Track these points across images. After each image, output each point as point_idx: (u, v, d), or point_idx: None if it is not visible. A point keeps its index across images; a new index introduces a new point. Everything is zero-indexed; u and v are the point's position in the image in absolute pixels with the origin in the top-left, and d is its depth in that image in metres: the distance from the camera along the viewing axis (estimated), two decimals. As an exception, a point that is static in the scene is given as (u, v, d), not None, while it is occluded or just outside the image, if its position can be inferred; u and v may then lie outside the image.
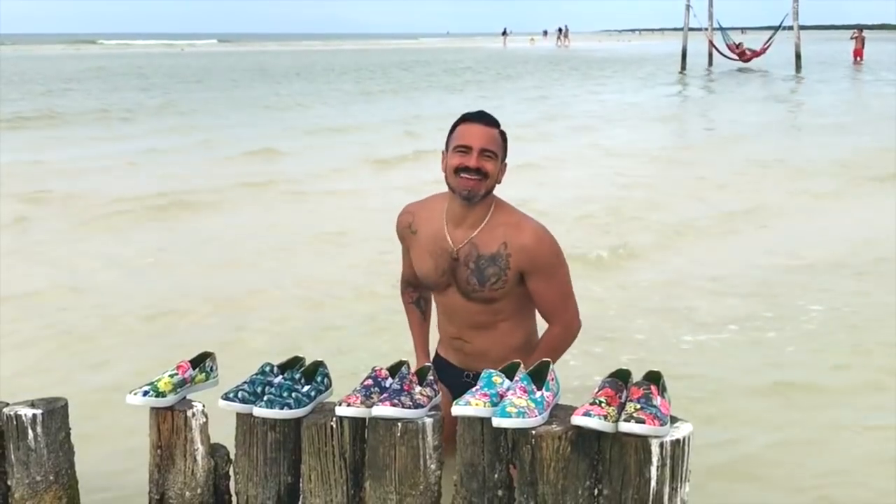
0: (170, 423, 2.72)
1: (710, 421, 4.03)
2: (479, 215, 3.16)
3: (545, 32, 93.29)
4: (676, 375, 4.00)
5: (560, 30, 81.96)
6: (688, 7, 38.23)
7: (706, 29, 39.01)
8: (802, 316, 5.64)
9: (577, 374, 4.48)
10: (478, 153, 3.06)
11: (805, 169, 11.51)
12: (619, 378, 2.54)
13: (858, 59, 40.20)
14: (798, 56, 34.65)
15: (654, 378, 2.54)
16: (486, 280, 3.14)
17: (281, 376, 2.75)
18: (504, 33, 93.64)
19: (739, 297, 6.04)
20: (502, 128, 3.19)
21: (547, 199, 9.13)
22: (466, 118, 3.16)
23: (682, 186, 10.51)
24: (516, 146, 3.55)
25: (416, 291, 3.53)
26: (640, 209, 9.03)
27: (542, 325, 3.35)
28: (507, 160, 3.21)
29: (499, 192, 3.25)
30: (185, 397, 2.79)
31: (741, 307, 5.81)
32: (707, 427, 3.76)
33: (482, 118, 3.15)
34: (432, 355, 3.52)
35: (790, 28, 36.77)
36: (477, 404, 2.46)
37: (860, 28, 43.28)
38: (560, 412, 2.50)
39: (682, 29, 39.27)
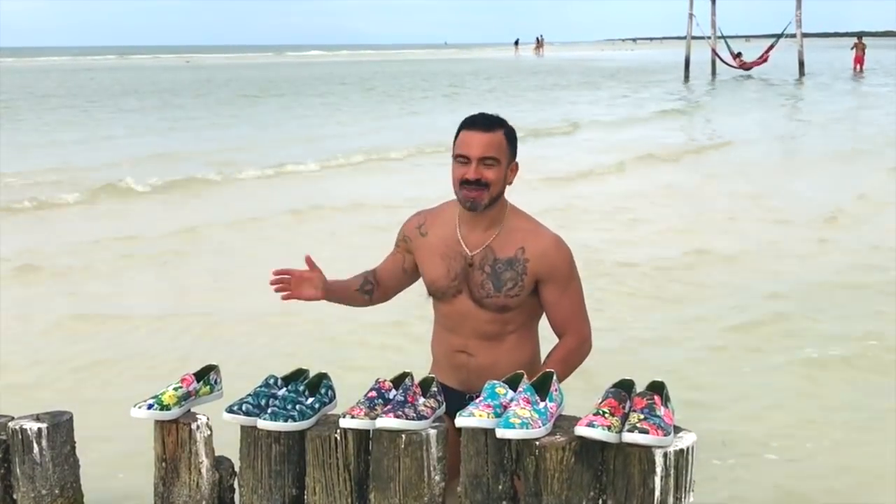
0: (174, 435, 2.73)
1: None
2: (493, 219, 3.07)
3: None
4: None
5: (537, 39, 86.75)
6: (691, 16, 38.26)
7: (709, 37, 38.99)
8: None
9: (581, 384, 4.47)
10: (476, 163, 2.97)
11: None
12: (623, 388, 2.54)
13: (859, 66, 40.23)
14: (801, 63, 34.71)
15: (657, 388, 2.54)
16: (503, 285, 3.04)
17: (285, 388, 2.75)
18: (516, 43, 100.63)
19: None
20: (509, 125, 3.06)
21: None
22: (466, 124, 3.04)
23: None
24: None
25: (376, 289, 3.31)
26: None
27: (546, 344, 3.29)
28: (517, 159, 3.08)
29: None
30: (189, 410, 2.80)
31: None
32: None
33: (480, 123, 3.02)
34: None
35: (793, 36, 36.84)
36: (480, 415, 2.46)
37: (860, 36, 43.45)
38: (564, 423, 2.51)
39: (684, 38, 39.28)
